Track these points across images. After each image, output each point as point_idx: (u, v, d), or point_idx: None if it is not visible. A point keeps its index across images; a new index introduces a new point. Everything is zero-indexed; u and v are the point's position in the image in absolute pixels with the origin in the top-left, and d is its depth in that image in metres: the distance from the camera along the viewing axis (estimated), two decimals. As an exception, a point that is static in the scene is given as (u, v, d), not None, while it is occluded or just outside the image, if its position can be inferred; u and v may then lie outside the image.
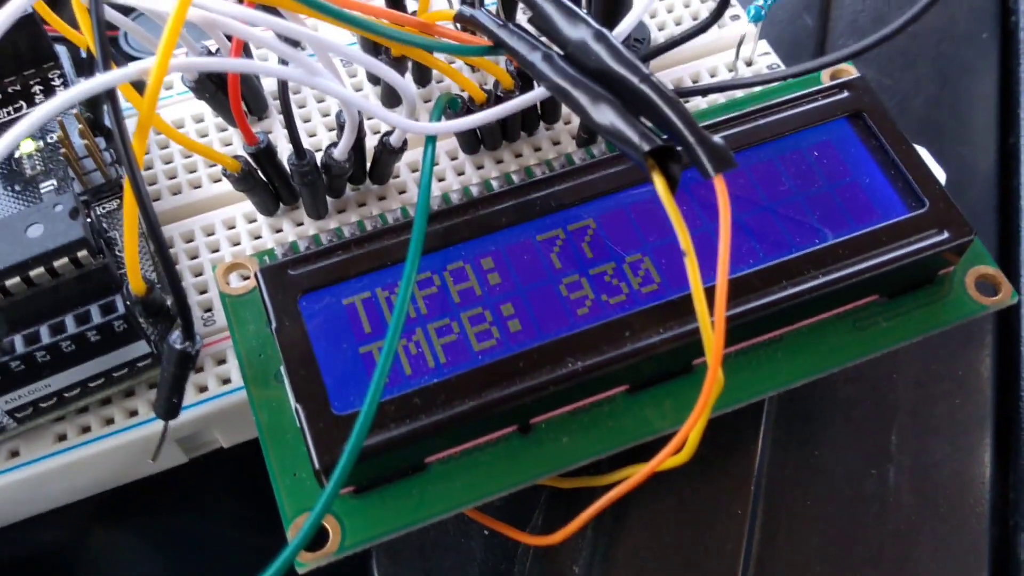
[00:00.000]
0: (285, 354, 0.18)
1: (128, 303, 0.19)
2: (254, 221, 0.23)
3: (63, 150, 0.22)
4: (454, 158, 0.24)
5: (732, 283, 0.19)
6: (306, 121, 0.24)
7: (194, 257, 0.22)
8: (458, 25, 0.20)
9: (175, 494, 0.23)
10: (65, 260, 0.19)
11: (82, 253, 0.19)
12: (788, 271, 0.19)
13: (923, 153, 0.21)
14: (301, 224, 0.23)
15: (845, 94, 0.22)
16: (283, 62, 0.18)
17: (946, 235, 0.20)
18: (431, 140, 0.19)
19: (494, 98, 0.22)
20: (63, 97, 0.15)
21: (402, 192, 0.23)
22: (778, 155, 0.21)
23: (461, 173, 0.23)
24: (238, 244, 0.22)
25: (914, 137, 0.21)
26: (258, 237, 0.23)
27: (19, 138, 0.15)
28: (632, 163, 0.20)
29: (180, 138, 0.20)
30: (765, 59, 0.26)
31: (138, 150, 0.17)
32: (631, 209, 0.20)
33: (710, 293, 0.16)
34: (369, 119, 0.24)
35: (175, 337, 0.18)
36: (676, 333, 0.19)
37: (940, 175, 0.21)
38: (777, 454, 0.23)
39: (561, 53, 0.18)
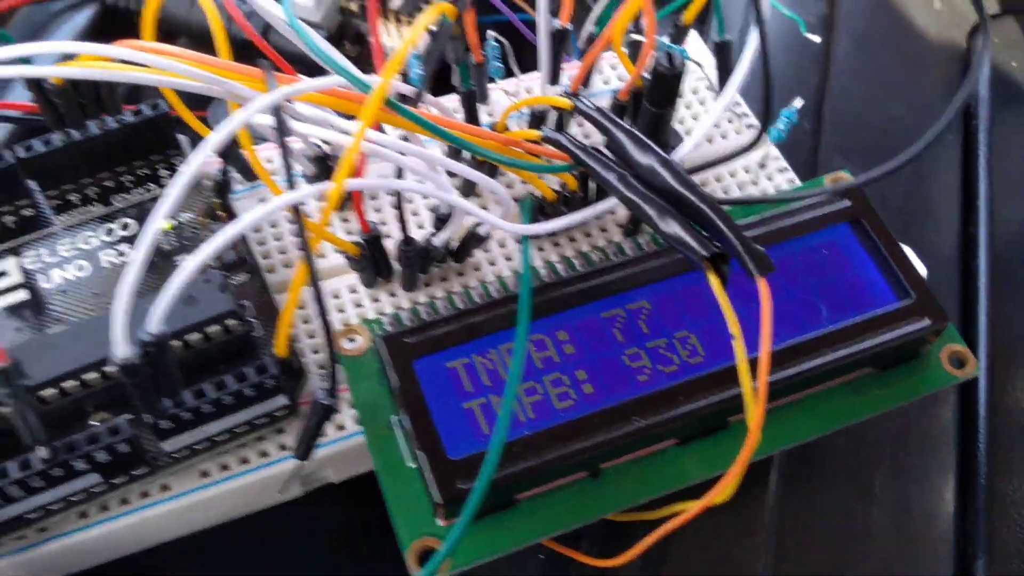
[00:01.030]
0: (407, 409, 0.23)
1: (277, 363, 0.23)
2: (355, 292, 0.27)
3: (202, 230, 0.26)
4: (518, 240, 0.28)
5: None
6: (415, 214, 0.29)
7: (306, 321, 0.26)
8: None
9: (293, 522, 0.27)
10: (217, 327, 0.23)
11: (231, 321, 0.23)
12: (804, 349, 0.24)
13: (909, 252, 0.26)
14: (394, 295, 0.27)
15: (847, 203, 0.27)
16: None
17: (927, 322, 0.25)
18: (527, 239, 0.23)
19: (562, 197, 0.26)
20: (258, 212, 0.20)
21: (476, 269, 0.28)
22: (793, 253, 0.26)
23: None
24: (342, 311, 0.27)
25: (893, 224, 0.26)
26: (360, 305, 0.27)
27: (232, 238, 0.19)
28: (680, 257, 0.25)
29: (315, 227, 0.24)
30: (778, 165, 0.30)
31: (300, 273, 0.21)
32: (678, 294, 0.25)
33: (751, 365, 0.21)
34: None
35: (322, 394, 0.22)
36: (719, 399, 0.24)
37: (922, 270, 0.26)
38: (784, 494, 0.28)
39: (630, 172, 0.23)
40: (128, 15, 0.35)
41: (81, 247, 0.26)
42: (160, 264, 0.26)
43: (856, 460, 0.29)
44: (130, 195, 0.27)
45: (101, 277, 0.26)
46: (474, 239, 0.26)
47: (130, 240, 0.26)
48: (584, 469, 0.23)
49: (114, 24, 0.35)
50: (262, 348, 0.24)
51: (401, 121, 0.21)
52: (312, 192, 0.20)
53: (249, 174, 0.28)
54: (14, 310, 0.25)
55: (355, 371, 0.24)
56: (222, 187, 0.26)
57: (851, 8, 0.40)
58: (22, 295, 0.25)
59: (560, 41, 0.27)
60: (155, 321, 0.20)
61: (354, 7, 0.35)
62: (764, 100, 0.25)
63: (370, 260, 0.26)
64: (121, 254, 0.26)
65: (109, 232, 0.27)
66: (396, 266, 0.27)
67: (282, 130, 0.21)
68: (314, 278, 0.21)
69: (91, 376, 0.23)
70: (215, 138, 0.20)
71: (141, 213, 0.27)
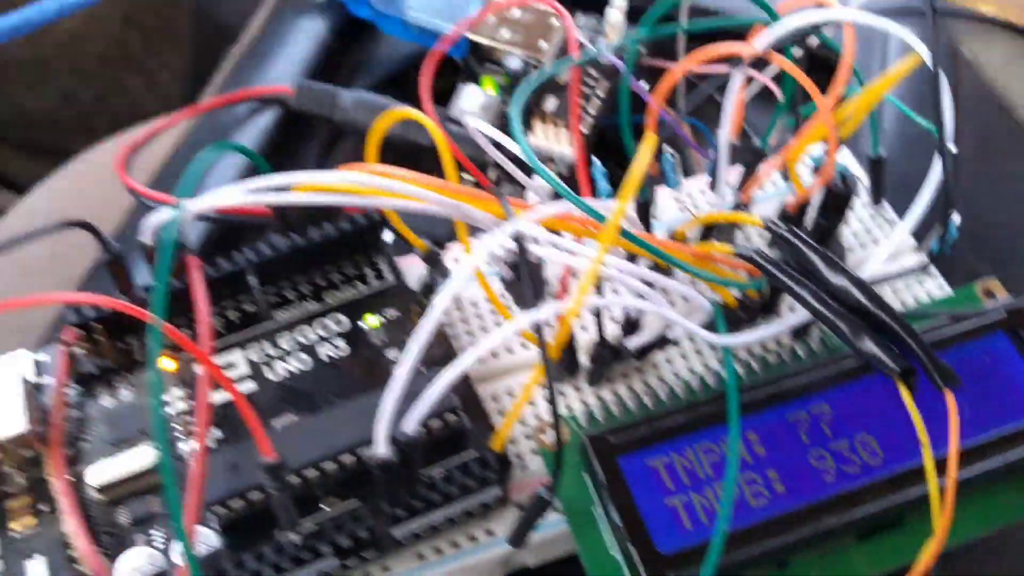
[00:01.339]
0: (616, 504, 0.25)
1: (495, 457, 0.25)
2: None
3: (411, 326, 0.28)
4: (690, 339, 0.30)
5: (939, 463, 0.26)
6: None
7: (501, 413, 0.29)
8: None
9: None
10: (439, 421, 0.26)
11: (451, 416, 0.26)
12: (976, 452, 0.26)
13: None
14: (579, 389, 0.29)
15: (1002, 312, 0.29)
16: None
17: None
18: (728, 351, 0.25)
19: (743, 305, 0.28)
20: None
21: (654, 366, 0.30)
22: (957, 360, 0.28)
23: (700, 352, 0.30)
24: (531, 404, 0.29)
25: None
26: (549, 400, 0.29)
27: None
28: (853, 365, 0.27)
29: (531, 337, 0.26)
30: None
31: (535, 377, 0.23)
32: (856, 398, 0.27)
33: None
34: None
35: (543, 490, 0.24)
36: (899, 499, 0.25)
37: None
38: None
39: (821, 289, 0.25)
40: (310, 118, 0.38)
41: (300, 341, 0.29)
42: (371, 358, 0.29)
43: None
44: (340, 292, 0.30)
45: (321, 370, 0.28)
46: (664, 342, 0.28)
47: (343, 335, 0.29)
48: (774, 561, 0.25)
49: (296, 124, 0.39)
50: (472, 439, 0.27)
51: (626, 244, 0.24)
52: (552, 312, 0.23)
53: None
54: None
55: (551, 461, 0.27)
56: (429, 288, 0.29)
57: (970, 110, 0.42)
58: (250, 386, 0.28)
59: (735, 154, 0.30)
60: (412, 423, 0.23)
61: (512, 111, 0.38)
62: (942, 220, 0.28)
63: (565, 360, 0.28)
64: (337, 348, 0.29)
65: (324, 327, 0.29)
66: (582, 362, 0.29)
67: (524, 255, 0.23)
68: (550, 383, 0.23)
69: (330, 466, 0.25)
70: (462, 273, 0.23)
71: (351, 310, 0.29)
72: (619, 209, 0.23)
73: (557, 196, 0.24)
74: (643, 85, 0.29)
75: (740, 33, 0.29)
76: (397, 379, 0.22)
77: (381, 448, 0.23)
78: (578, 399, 0.29)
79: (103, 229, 0.27)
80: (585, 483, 0.26)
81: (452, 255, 0.30)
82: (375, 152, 0.27)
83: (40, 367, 0.28)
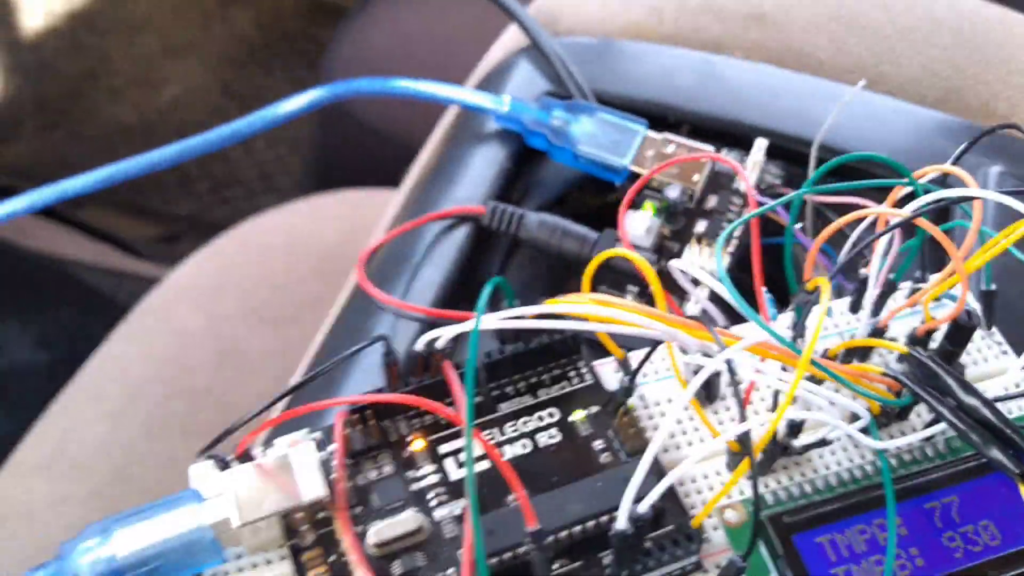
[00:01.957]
0: (793, 572, 0.31)
1: (695, 532, 0.32)
2: (719, 474, 0.36)
3: (611, 420, 0.35)
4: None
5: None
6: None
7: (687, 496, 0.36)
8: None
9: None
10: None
11: (657, 502, 0.33)
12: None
13: None
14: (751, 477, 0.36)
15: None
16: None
17: None
18: (883, 454, 0.32)
19: (883, 412, 0.35)
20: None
21: (808, 460, 0.36)
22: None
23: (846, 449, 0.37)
24: (700, 493, 0.36)
25: None
26: (713, 488, 0.36)
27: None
28: (976, 464, 0.34)
29: (733, 444, 0.33)
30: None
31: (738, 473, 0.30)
32: (981, 492, 0.34)
33: None
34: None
35: (736, 559, 0.31)
36: (1013, 574, 0.32)
37: None
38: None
39: (956, 405, 0.32)
40: (494, 233, 0.46)
41: (522, 430, 0.36)
42: (582, 446, 0.36)
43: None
44: (550, 389, 0.37)
45: (541, 454, 0.35)
46: (822, 443, 0.35)
47: (555, 425, 0.36)
48: (918, 622, 0.32)
49: (483, 238, 0.46)
50: (669, 515, 0.33)
51: (813, 369, 0.31)
52: (758, 424, 0.30)
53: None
54: (480, 477, 0.35)
55: (736, 540, 0.33)
56: (627, 391, 0.36)
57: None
58: (486, 465, 0.35)
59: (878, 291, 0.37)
60: (646, 504, 0.30)
61: (667, 232, 0.46)
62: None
63: (742, 455, 0.35)
64: (552, 436, 0.36)
65: (540, 419, 0.36)
66: (751, 455, 0.36)
67: (735, 379, 0.30)
68: (755, 483, 0.30)
69: (575, 532, 0.32)
70: (679, 405, 0.30)
71: (560, 404, 0.37)
72: (810, 345, 0.30)
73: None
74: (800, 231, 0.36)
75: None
76: (639, 472, 0.29)
77: (622, 523, 0.30)
78: (749, 484, 0.36)
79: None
80: (761, 555, 0.33)
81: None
82: (589, 283, 0.35)
83: (319, 444, 0.35)
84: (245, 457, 0.34)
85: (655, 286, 0.33)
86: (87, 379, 0.73)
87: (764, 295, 0.36)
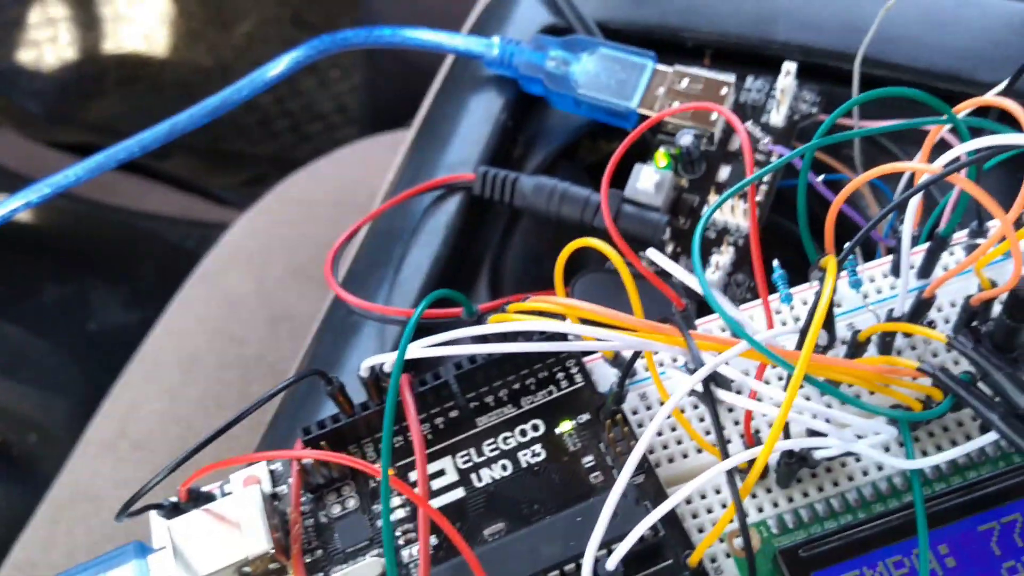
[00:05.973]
0: (813, 616, 0.26)
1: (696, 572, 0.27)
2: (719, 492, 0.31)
3: (602, 431, 0.30)
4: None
5: None
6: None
7: (695, 516, 0.30)
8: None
9: None
10: (640, 542, 0.28)
11: (648, 532, 0.28)
12: None
13: None
14: (770, 491, 0.30)
15: None
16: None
17: None
18: (915, 475, 0.26)
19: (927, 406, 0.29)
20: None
21: (829, 471, 0.31)
22: None
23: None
24: (711, 511, 0.30)
25: None
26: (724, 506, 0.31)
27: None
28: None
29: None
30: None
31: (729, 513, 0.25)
32: (1050, 508, 0.27)
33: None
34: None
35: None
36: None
37: None
38: None
39: (1007, 408, 0.26)
40: (488, 203, 0.41)
41: (502, 447, 0.31)
42: (568, 464, 0.31)
43: None
44: (535, 396, 0.32)
45: (522, 476, 0.31)
46: (847, 453, 0.29)
47: (539, 440, 0.31)
48: (970, 674, 0.26)
49: (479, 208, 0.41)
50: (668, 547, 0.28)
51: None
52: (742, 459, 0.24)
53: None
54: (452, 508, 0.30)
55: (743, 571, 0.28)
56: (619, 398, 0.31)
57: None
58: (460, 493, 0.31)
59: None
60: (614, 561, 0.25)
61: (684, 183, 0.39)
62: None
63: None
64: (535, 455, 0.31)
65: (523, 433, 0.32)
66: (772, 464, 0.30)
67: (712, 400, 0.25)
68: (741, 517, 0.24)
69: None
70: (659, 419, 0.24)
71: (546, 414, 0.32)
72: (803, 361, 0.24)
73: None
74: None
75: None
76: (601, 521, 0.24)
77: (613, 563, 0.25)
78: (769, 500, 0.30)
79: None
80: (776, 590, 0.28)
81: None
82: (561, 283, 0.29)
83: (274, 476, 0.32)
84: (193, 498, 0.31)
85: (632, 294, 0.27)
86: (147, 353, 0.72)
87: (776, 275, 0.30)
